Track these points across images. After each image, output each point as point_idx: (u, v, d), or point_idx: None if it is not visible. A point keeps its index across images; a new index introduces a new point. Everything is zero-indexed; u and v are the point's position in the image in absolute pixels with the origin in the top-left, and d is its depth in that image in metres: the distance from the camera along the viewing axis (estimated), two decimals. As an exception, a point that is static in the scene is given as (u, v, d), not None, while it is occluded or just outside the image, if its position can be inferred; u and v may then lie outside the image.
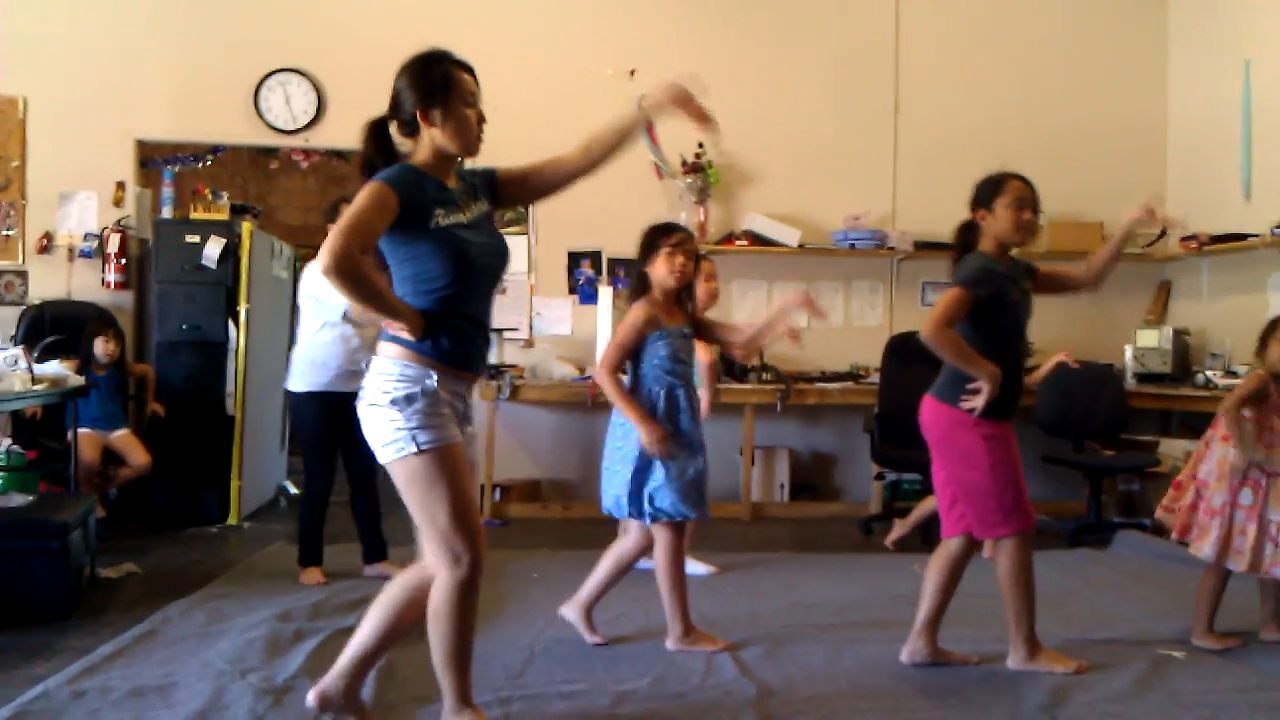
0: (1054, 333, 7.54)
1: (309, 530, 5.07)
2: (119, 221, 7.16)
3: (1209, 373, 6.62)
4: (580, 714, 3.31)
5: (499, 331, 7.16)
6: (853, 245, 7.45)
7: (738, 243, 7.47)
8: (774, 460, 7.53)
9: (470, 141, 2.87)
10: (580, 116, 7.26)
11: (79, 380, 5.58)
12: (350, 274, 2.63)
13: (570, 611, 4.13)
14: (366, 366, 2.89)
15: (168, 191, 7.21)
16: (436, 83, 2.82)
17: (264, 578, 5.09)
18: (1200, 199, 7.49)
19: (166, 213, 7.17)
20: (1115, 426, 6.97)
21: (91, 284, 7.13)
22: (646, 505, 3.87)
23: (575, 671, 3.70)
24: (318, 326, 4.98)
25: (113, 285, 7.09)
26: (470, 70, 2.89)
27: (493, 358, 7.13)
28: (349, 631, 3.95)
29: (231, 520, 6.49)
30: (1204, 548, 4.00)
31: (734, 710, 3.35)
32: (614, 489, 3.93)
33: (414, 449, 2.75)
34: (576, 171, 3.07)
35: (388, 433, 2.77)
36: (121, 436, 6.33)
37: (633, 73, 7.37)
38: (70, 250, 7.16)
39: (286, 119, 7.24)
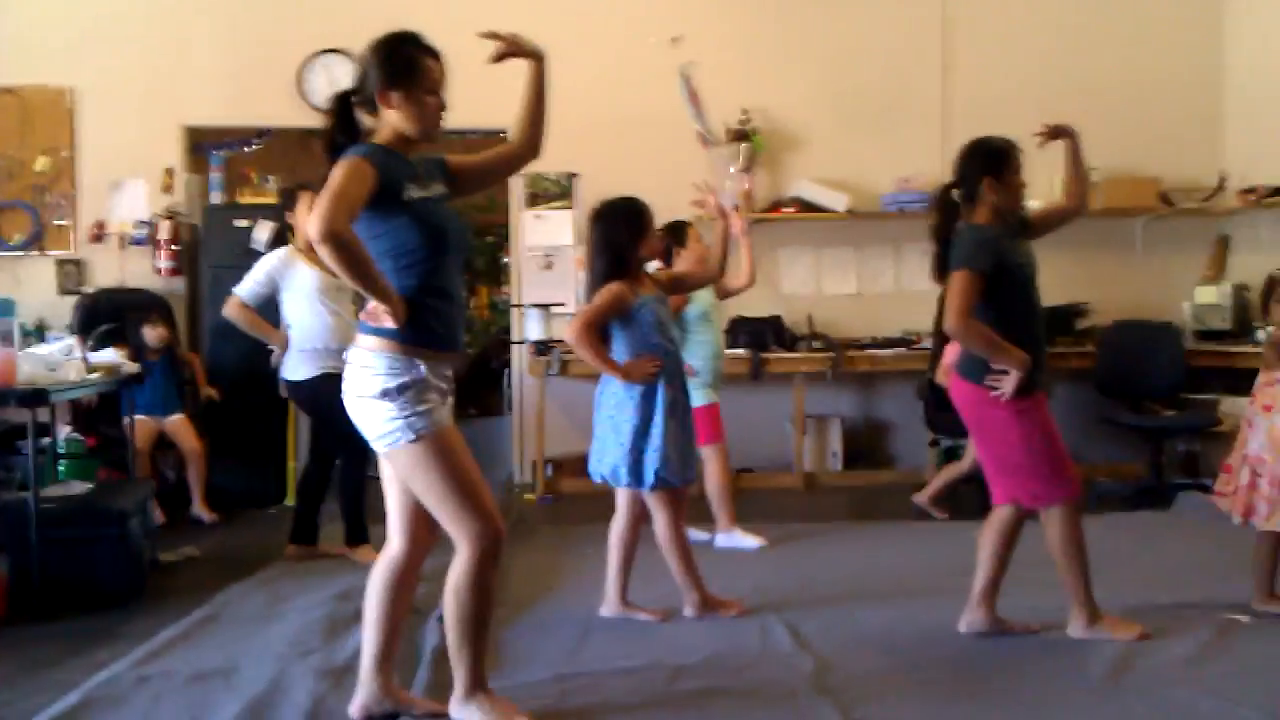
0: (1111, 291, 7.45)
1: (353, 509, 5.11)
2: (169, 208, 7.21)
3: (1271, 329, 6.45)
4: (638, 690, 3.30)
5: (545, 307, 7.14)
6: (902, 209, 7.34)
7: (785, 210, 7.40)
8: (826, 429, 7.47)
9: (428, 127, 2.88)
10: (622, 85, 7.30)
11: (134, 367, 5.64)
12: (343, 242, 2.63)
13: (609, 610, 4.12)
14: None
15: (216, 177, 7.27)
16: (400, 66, 2.84)
17: (323, 558, 5.13)
18: (1260, 150, 7.30)
19: (216, 198, 7.24)
20: (1174, 386, 6.87)
21: (144, 271, 7.19)
22: (648, 474, 3.87)
23: (632, 647, 3.70)
24: (303, 311, 5.00)
25: (165, 272, 7.16)
26: (438, 57, 2.90)
27: (541, 333, 7.13)
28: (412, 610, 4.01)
29: (289, 501, 6.55)
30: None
31: (791, 684, 3.33)
32: (610, 458, 3.94)
33: (411, 437, 2.76)
34: (521, 152, 3.15)
35: (382, 424, 2.78)
36: (176, 422, 6.40)
37: (675, 40, 7.30)
38: (122, 238, 7.22)
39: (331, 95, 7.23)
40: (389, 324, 2.76)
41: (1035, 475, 3.62)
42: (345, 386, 2.87)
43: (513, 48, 3.05)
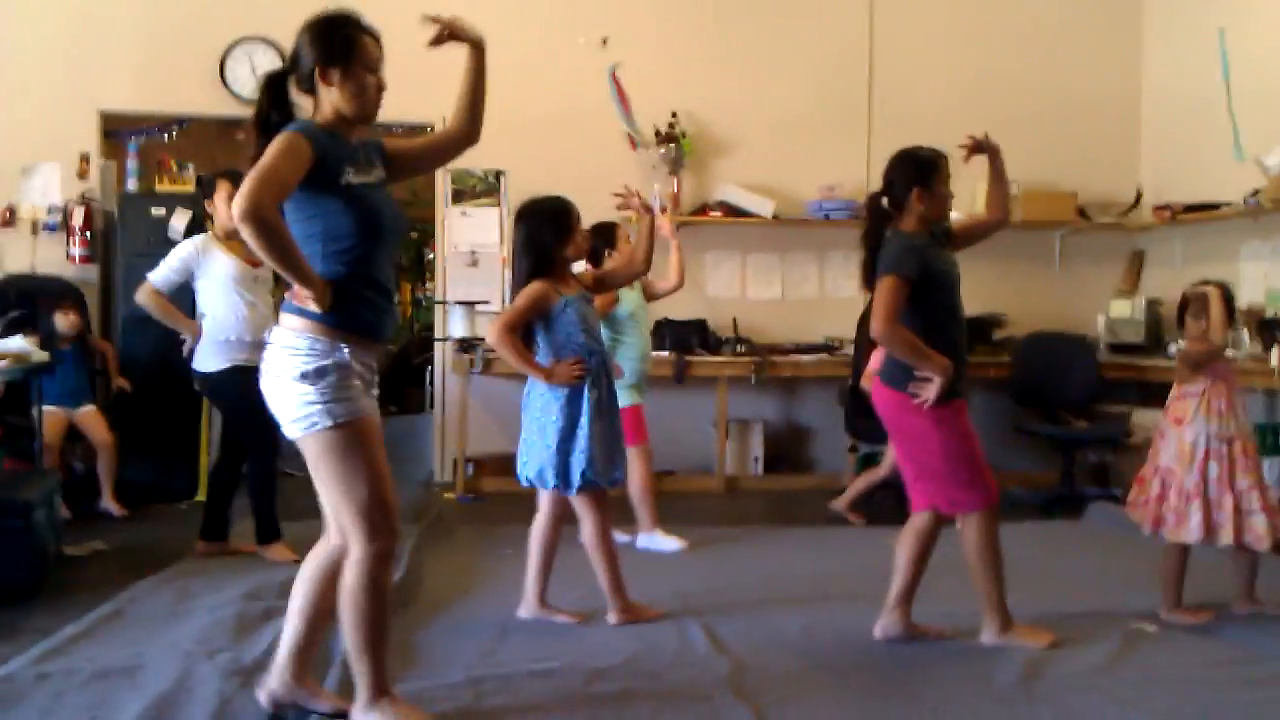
0: (1028, 302, 7.59)
1: (264, 506, 5.02)
2: (83, 194, 7.03)
3: (1182, 343, 6.61)
4: (554, 693, 3.28)
5: (470, 304, 7.09)
6: (827, 216, 7.39)
7: (712, 214, 7.42)
8: (748, 433, 7.51)
9: (367, 107, 2.82)
10: (552, 84, 7.26)
11: (43, 356, 5.48)
12: (266, 223, 2.56)
13: (526, 612, 4.08)
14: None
15: (133, 164, 7.10)
16: (339, 44, 2.78)
17: (234, 555, 5.03)
18: (1176, 168, 7.50)
19: (132, 185, 7.06)
20: (1088, 397, 7.00)
21: (57, 258, 6.99)
22: (574, 476, 3.85)
23: (549, 649, 3.67)
24: (217, 301, 4.90)
25: (78, 259, 6.97)
26: (376, 38, 2.85)
27: (465, 330, 7.07)
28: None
29: (200, 496, 6.40)
30: (1189, 532, 3.97)
31: (708, 687, 3.33)
32: (536, 461, 3.91)
33: (329, 423, 2.69)
34: (460, 137, 3.11)
35: (297, 407, 2.71)
36: (86, 413, 6.24)
37: (605, 41, 7.29)
38: (34, 224, 7.01)
39: (253, 89, 7.08)
40: (314, 307, 2.70)
41: (954, 482, 3.67)
42: (264, 367, 2.79)
43: (453, 31, 3.00)
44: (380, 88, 2.85)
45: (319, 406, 2.69)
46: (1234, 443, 3.97)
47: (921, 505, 3.77)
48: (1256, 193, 6.40)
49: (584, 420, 3.85)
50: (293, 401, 2.72)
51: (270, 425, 2.83)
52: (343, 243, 2.75)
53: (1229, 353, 4.15)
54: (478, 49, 3.06)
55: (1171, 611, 4.07)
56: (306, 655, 2.98)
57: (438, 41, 3.00)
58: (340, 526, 2.85)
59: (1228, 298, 4.08)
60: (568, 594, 4.16)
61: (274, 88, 2.82)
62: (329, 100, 2.79)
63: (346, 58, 2.77)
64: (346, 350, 2.74)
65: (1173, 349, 6.68)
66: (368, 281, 2.79)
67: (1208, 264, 7.00)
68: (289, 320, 2.76)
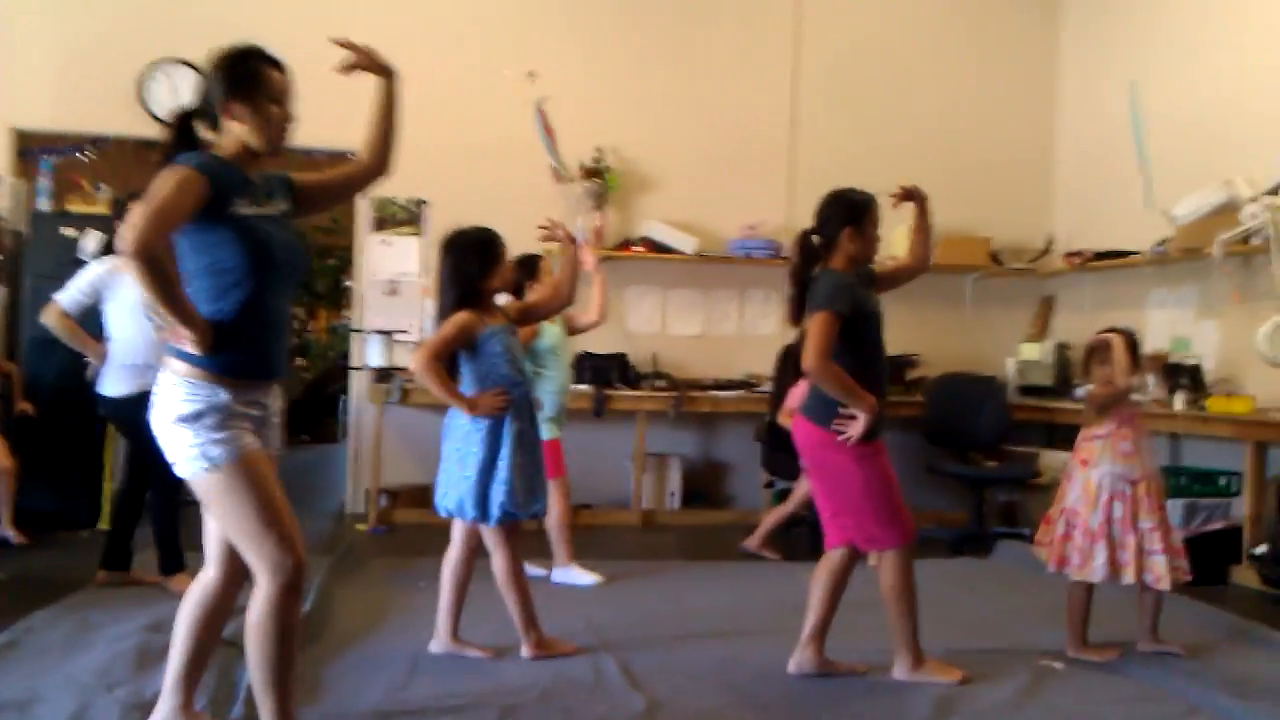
0: (941, 344, 7.73)
1: (167, 536, 4.89)
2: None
3: (1089, 386, 6.77)
4: (465, 728, 3.24)
5: (388, 334, 7.02)
6: (749, 254, 7.48)
7: (634, 249, 7.46)
8: (666, 467, 7.52)
9: (273, 138, 2.80)
10: (476, 115, 7.26)
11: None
12: (153, 261, 2.52)
13: (438, 646, 4.03)
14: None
15: (45, 183, 6.92)
16: (243, 76, 2.76)
17: (136, 586, 4.89)
18: (1086, 217, 7.71)
19: (44, 205, 6.89)
20: (997, 438, 7.13)
21: (-37, 278, 6.80)
22: (493, 508, 3.82)
23: (461, 684, 3.63)
24: (125, 324, 4.80)
25: (-17, 278, 6.78)
26: (282, 69, 2.83)
27: (383, 360, 7.00)
28: (225, 643, 3.84)
29: (103, 525, 6.24)
30: (1093, 571, 4.05)
31: (621, 723, 3.31)
32: (456, 492, 3.88)
33: (206, 465, 2.66)
34: (370, 170, 3.10)
35: (180, 449, 2.68)
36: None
37: (531, 74, 7.30)
38: (-63, 241, 6.82)
39: (171, 109, 6.98)
40: (193, 349, 2.65)
41: (873, 519, 3.71)
42: (151, 408, 2.75)
43: (364, 61, 2.99)
44: (286, 118, 2.82)
45: (196, 450, 2.66)
46: (1138, 484, 4.07)
47: (837, 541, 3.80)
48: (1164, 241, 6.60)
49: (505, 452, 3.82)
50: (174, 443, 2.69)
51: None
52: (230, 276, 2.69)
53: (1135, 396, 4.25)
54: (389, 80, 3.05)
55: (1078, 650, 4.15)
56: (188, 686, 2.96)
57: (349, 69, 2.99)
58: (224, 559, 2.88)
59: (1132, 343, 4.19)
60: (481, 628, 4.11)
61: (181, 125, 2.80)
62: (234, 133, 2.76)
63: (251, 90, 2.75)
64: (224, 393, 2.68)
65: (1080, 392, 6.84)
66: (257, 318, 2.74)
67: (1116, 310, 7.20)
68: (170, 363, 2.72)
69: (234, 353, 2.70)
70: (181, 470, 2.71)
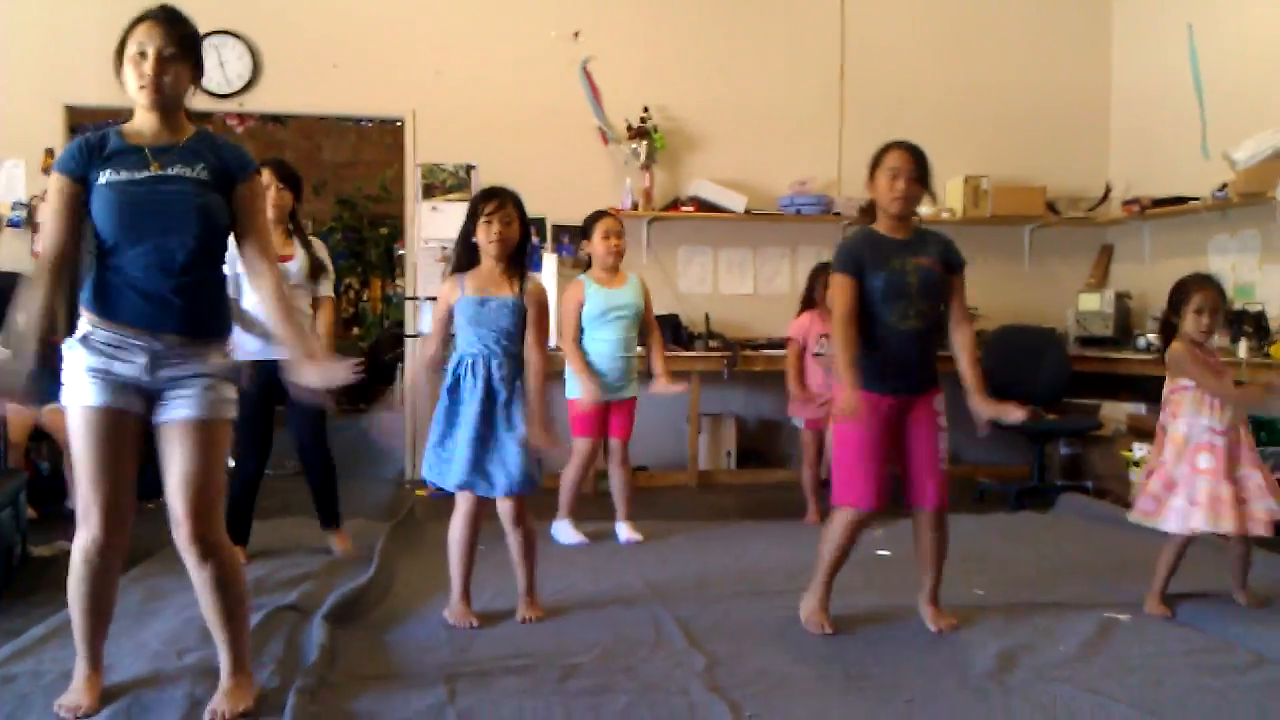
0: (999, 297, 7.62)
1: (238, 507, 4.93)
2: (47, 190, 6.92)
3: (1150, 336, 6.67)
4: (529, 689, 3.25)
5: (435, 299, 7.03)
6: (799, 211, 7.41)
7: (684, 208, 7.41)
8: (721, 427, 7.51)
9: (137, 91, 2.90)
10: (523, 78, 7.23)
11: (6, 354, 5.39)
12: (47, 271, 2.81)
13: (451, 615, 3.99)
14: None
15: (98, 158, 7.00)
16: (121, 43, 2.90)
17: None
18: (1145, 163, 7.55)
19: (97, 180, 6.98)
20: (1058, 390, 7.03)
21: (21, 254, 6.90)
22: (444, 478, 3.86)
23: (523, 645, 3.65)
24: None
25: (42, 255, 6.88)
26: (153, 18, 2.93)
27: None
28: (289, 609, 3.91)
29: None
30: (1165, 519, 3.97)
31: (683, 681, 3.31)
32: (427, 460, 3.94)
33: (60, 400, 2.89)
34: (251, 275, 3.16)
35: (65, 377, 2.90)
36: (51, 411, 6.15)
37: (577, 34, 7.26)
38: (-2, 219, 6.94)
39: (221, 82, 7.04)
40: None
41: (840, 473, 3.78)
42: None
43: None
44: (156, 69, 2.87)
45: (62, 384, 2.88)
46: (1227, 433, 3.97)
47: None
48: (1224, 186, 6.45)
49: (460, 423, 3.79)
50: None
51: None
52: (97, 239, 2.85)
53: (1212, 343, 4.15)
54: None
55: (1155, 605, 4.07)
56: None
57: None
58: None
59: (1219, 292, 4.06)
60: (550, 585, 4.16)
61: None
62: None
63: (120, 54, 2.90)
64: (88, 332, 2.86)
65: (1141, 342, 6.75)
66: (113, 270, 2.84)
67: (1176, 258, 7.08)
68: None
69: (102, 300, 2.85)
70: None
